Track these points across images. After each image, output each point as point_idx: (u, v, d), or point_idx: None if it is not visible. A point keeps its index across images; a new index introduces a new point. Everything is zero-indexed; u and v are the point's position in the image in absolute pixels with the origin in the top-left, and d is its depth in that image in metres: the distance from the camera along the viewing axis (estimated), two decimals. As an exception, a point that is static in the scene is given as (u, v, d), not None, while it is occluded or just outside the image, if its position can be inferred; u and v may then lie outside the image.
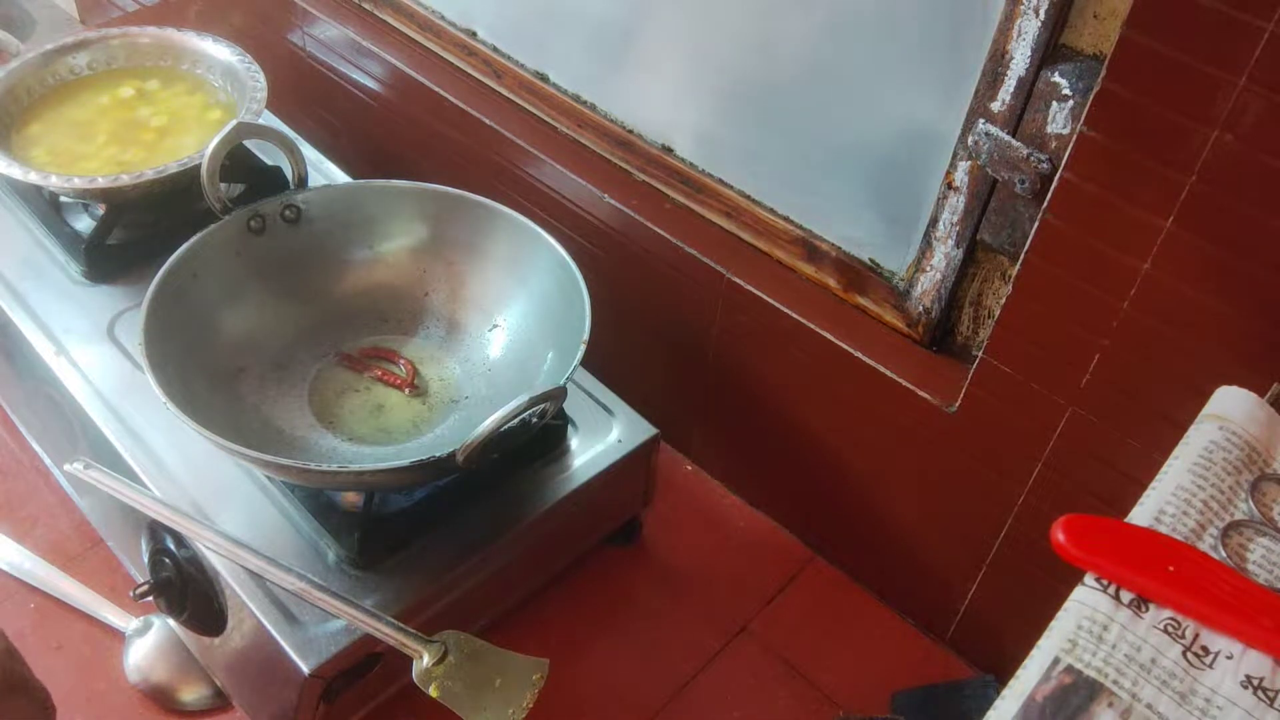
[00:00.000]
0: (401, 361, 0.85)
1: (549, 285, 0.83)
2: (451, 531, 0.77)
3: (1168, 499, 0.48)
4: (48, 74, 0.98)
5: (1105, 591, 0.45)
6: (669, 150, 0.91)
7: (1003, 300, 0.70)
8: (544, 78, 0.98)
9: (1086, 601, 0.44)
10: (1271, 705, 0.42)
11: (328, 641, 0.70)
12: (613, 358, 0.87)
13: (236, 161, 0.91)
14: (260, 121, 0.91)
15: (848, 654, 0.87)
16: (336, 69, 1.13)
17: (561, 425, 0.84)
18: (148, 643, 0.82)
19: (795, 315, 0.83)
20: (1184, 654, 0.43)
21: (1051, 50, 0.64)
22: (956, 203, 0.73)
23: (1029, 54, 0.65)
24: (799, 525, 0.95)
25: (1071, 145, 0.61)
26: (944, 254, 0.76)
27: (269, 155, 0.98)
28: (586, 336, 0.75)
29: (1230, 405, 0.52)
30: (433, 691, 0.63)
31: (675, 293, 0.91)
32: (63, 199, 0.95)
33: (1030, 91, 0.66)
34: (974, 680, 0.85)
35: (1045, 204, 0.64)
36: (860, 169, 0.79)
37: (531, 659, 0.65)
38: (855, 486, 0.87)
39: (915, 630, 0.89)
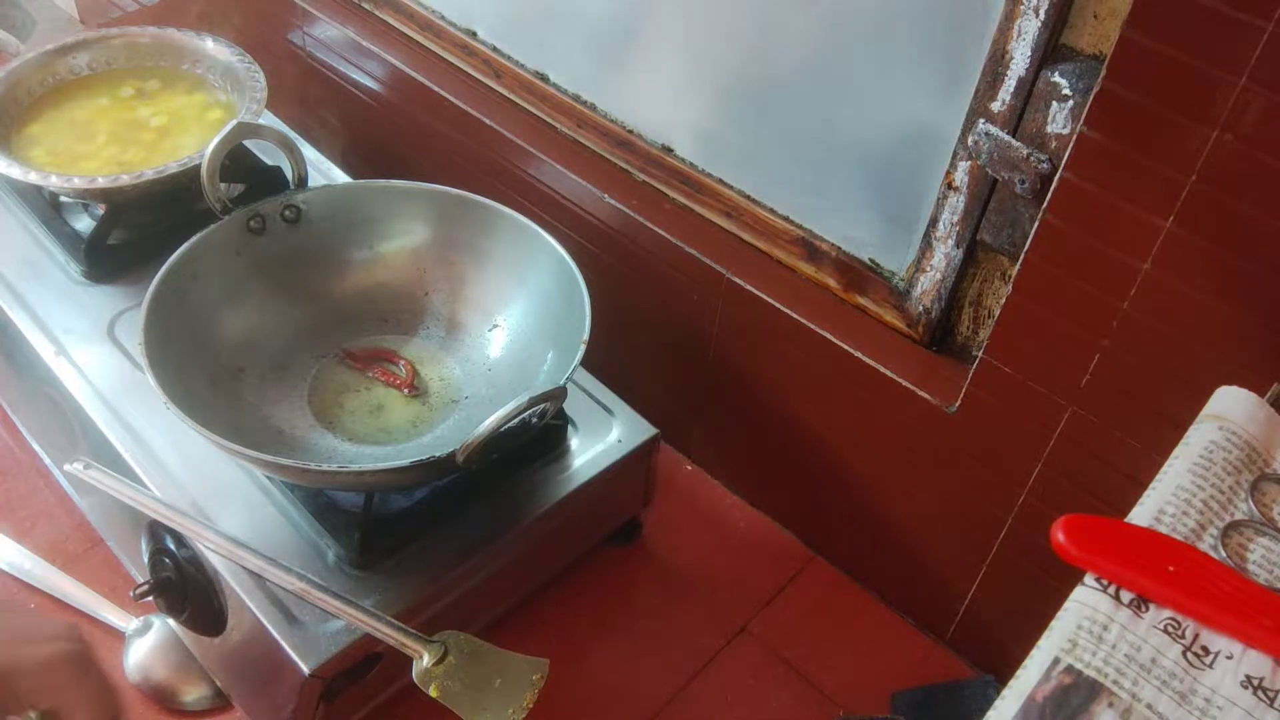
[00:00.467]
0: (401, 362, 0.85)
1: (549, 285, 0.83)
2: (451, 531, 0.77)
3: (1168, 499, 0.48)
4: (48, 74, 0.98)
5: (1105, 591, 0.45)
6: (669, 150, 0.91)
7: (1003, 300, 0.70)
8: (544, 78, 0.98)
9: (1086, 601, 0.44)
10: (1271, 705, 0.42)
11: (328, 641, 0.70)
12: (613, 358, 0.87)
13: (236, 161, 0.91)
14: (260, 121, 0.91)
15: (848, 654, 0.87)
16: (336, 69, 1.13)
17: (561, 425, 0.84)
18: (148, 643, 0.82)
19: (795, 315, 0.83)
20: (1184, 654, 0.43)
21: (1051, 50, 0.64)
22: (956, 203, 0.73)
23: (1029, 54, 0.65)
24: (799, 525, 0.95)
25: (1071, 145, 0.61)
26: (944, 254, 0.76)
27: (269, 155, 0.98)
28: (586, 336, 0.75)
29: (1230, 405, 0.52)
30: (433, 691, 0.63)
31: (675, 293, 0.91)
32: (63, 199, 0.95)
33: (1030, 91, 0.66)
34: (974, 680, 0.85)
35: (1045, 204, 0.64)
36: (860, 169, 0.79)
37: (531, 659, 0.65)
38: (855, 486, 0.87)
39: (915, 630, 0.89)
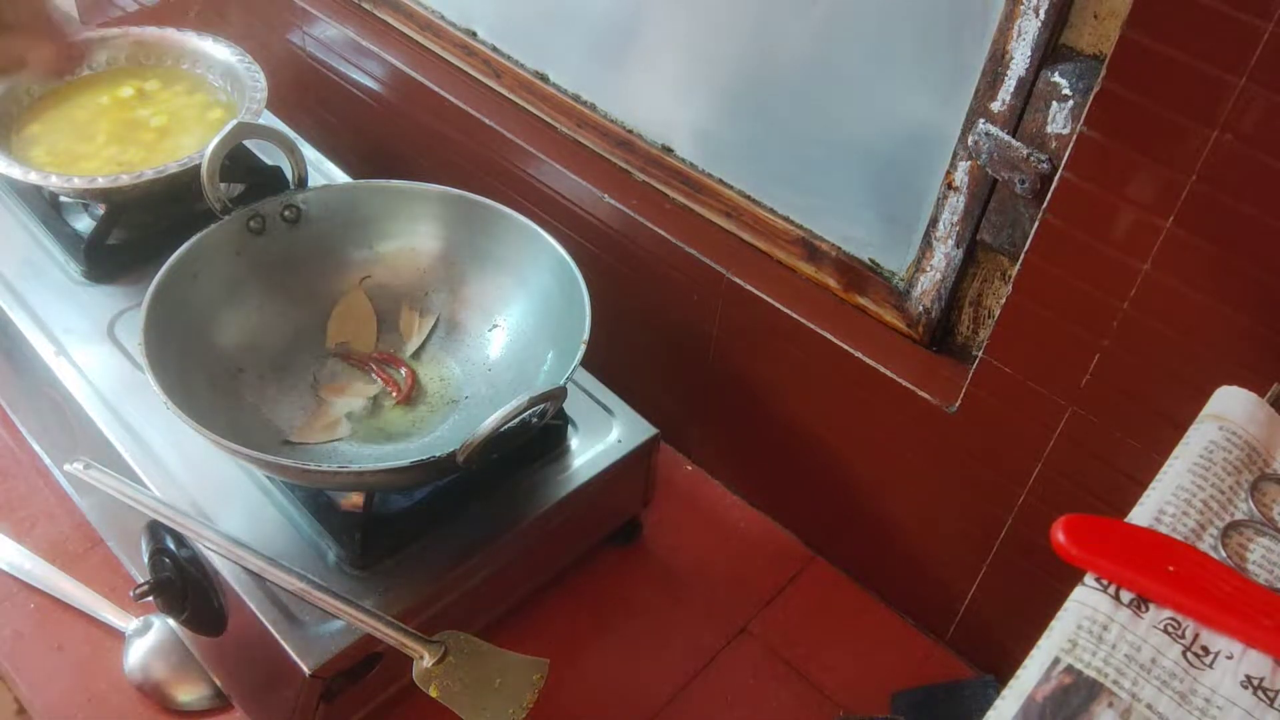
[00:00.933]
0: (403, 369, 0.85)
1: (549, 285, 0.83)
2: (451, 531, 0.77)
3: (1168, 499, 0.48)
4: (48, 74, 0.98)
5: (1105, 591, 0.45)
6: (669, 150, 0.91)
7: (1003, 300, 0.70)
8: (544, 78, 0.98)
9: (1086, 601, 0.44)
10: (1271, 705, 0.42)
11: (328, 641, 0.70)
12: (613, 358, 0.87)
13: (236, 161, 0.91)
14: (260, 121, 0.91)
15: (848, 654, 0.87)
16: (336, 69, 1.13)
17: (561, 425, 0.84)
18: (148, 643, 0.82)
19: (795, 315, 0.83)
20: (1184, 654, 0.43)
21: (1051, 50, 0.64)
22: (956, 203, 0.73)
23: (1029, 54, 0.65)
24: (799, 525, 0.95)
25: (1071, 145, 0.61)
26: (944, 254, 0.76)
27: (269, 155, 0.98)
28: (586, 336, 0.75)
29: (1230, 405, 0.52)
30: (433, 692, 0.63)
31: (675, 293, 0.91)
32: (63, 199, 0.95)
33: (1030, 91, 0.66)
34: (974, 680, 0.85)
35: (1045, 204, 0.64)
36: (860, 169, 0.79)
37: (532, 659, 0.65)
38: (855, 486, 0.87)
39: (915, 630, 0.89)
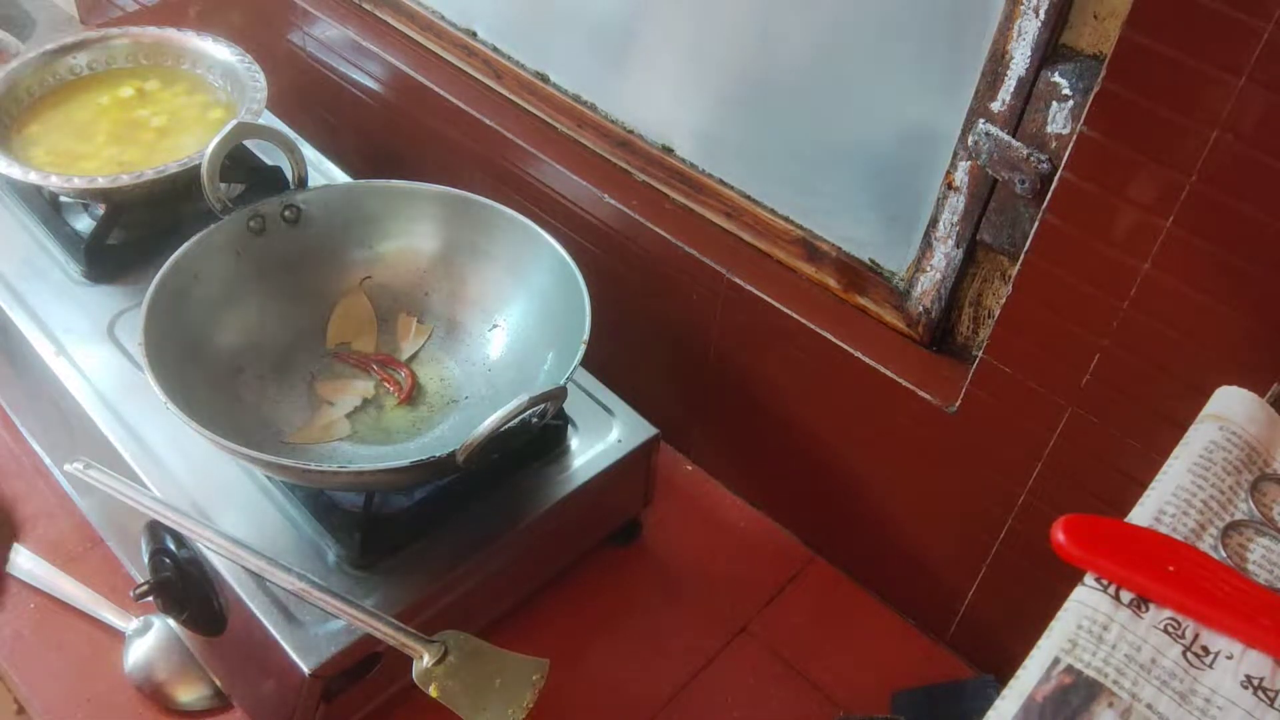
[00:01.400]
0: (404, 370, 0.85)
1: (549, 285, 0.83)
2: (451, 531, 0.77)
3: (1168, 499, 0.48)
4: (48, 74, 0.98)
5: (1105, 591, 0.45)
6: (669, 150, 0.91)
7: (1003, 300, 0.70)
8: (544, 78, 0.98)
9: (1086, 601, 0.44)
10: (1271, 705, 0.42)
11: (328, 641, 0.70)
12: (613, 358, 0.87)
13: (236, 161, 0.91)
14: (260, 121, 0.91)
15: (848, 654, 0.87)
16: (336, 69, 1.13)
17: (561, 425, 0.84)
18: (148, 643, 0.82)
19: (795, 315, 0.83)
20: (1184, 654, 0.43)
21: (1051, 50, 0.64)
22: (956, 203, 0.73)
23: (1029, 54, 0.65)
24: (799, 525, 0.95)
25: (1071, 145, 0.61)
26: (944, 254, 0.76)
27: (269, 155, 0.98)
28: (586, 336, 0.75)
29: (1230, 405, 0.52)
30: (433, 691, 0.63)
31: (675, 293, 0.91)
32: (63, 199, 0.95)
33: (1030, 91, 0.66)
34: (974, 680, 0.85)
35: (1045, 204, 0.64)
36: (860, 169, 0.79)
37: (531, 659, 0.65)
38: (855, 486, 0.87)
39: (915, 630, 0.89)
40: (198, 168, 0.81)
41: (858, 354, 0.80)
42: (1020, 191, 0.68)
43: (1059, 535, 0.46)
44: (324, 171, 1.02)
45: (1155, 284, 0.61)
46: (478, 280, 0.88)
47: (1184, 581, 0.45)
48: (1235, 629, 0.44)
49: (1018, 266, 0.67)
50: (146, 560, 0.78)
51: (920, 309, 0.79)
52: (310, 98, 1.19)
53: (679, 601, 0.89)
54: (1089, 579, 0.45)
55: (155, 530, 0.77)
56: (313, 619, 0.71)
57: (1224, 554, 0.46)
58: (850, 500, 0.88)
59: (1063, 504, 0.73)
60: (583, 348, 0.74)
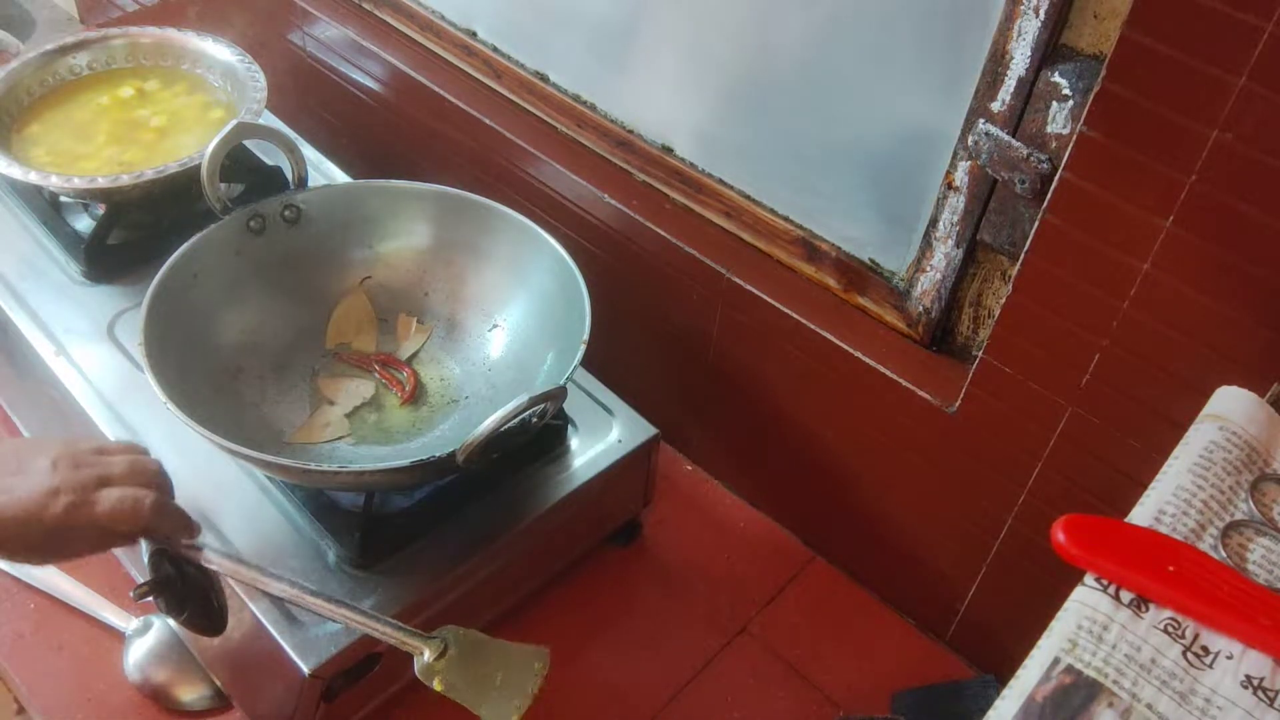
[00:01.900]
0: (406, 371, 0.85)
1: (549, 285, 0.83)
2: (451, 531, 0.77)
3: (1168, 499, 0.48)
4: (48, 74, 0.98)
5: (1105, 591, 0.45)
6: (669, 150, 0.91)
7: (1003, 300, 0.70)
8: (544, 78, 0.98)
9: (1086, 601, 0.44)
10: (1271, 705, 0.42)
11: (328, 641, 0.70)
12: (613, 358, 0.87)
13: (236, 161, 0.91)
14: (260, 121, 0.91)
15: (848, 654, 0.87)
16: (336, 69, 1.13)
17: (561, 425, 0.84)
18: (148, 643, 0.82)
19: (795, 315, 0.83)
20: (1184, 654, 0.43)
21: (1051, 50, 0.64)
22: (956, 203, 0.73)
23: (1029, 54, 0.65)
24: (799, 525, 0.95)
25: (1071, 145, 0.61)
26: (944, 254, 0.76)
27: (269, 155, 0.98)
28: (586, 336, 0.75)
29: (1230, 405, 0.52)
30: (437, 686, 0.63)
31: (675, 293, 0.91)
32: (63, 199, 0.95)
33: (1030, 91, 0.66)
34: (974, 680, 0.85)
35: (1045, 204, 0.64)
36: (860, 169, 0.79)
37: (532, 647, 0.65)
38: (855, 486, 0.87)
39: (915, 630, 0.89)
40: (198, 168, 0.81)
41: (858, 354, 0.80)
42: (1020, 191, 0.68)
43: (1059, 535, 0.46)
44: (324, 171, 1.02)
45: (1155, 284, 0.61)
46: (478, 280, 0.88)
47: (1184, 581, 0.45)
48: (1235, 629, 0.44)
49: (1018, 266, 0.67)
50: (146, 560, 0.78)
51: (920, 309, 0.79)
52: (310, 98, 1.19)
53: (679, 602, 0.89)
54: (1089, 579, 0.45)
55: (155, 530, 0.77)
56: (313, 619, 0.71)
57: (1224, 554, 0.46)
58: (850, 500, 0.88)
59: (1063, 504, 0.73)
60: (583, 348, 0.74)
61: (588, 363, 0.77)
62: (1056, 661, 0.43)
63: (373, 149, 1.15)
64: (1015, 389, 0.71)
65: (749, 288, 0.85)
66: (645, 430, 0.85)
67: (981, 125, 0.69)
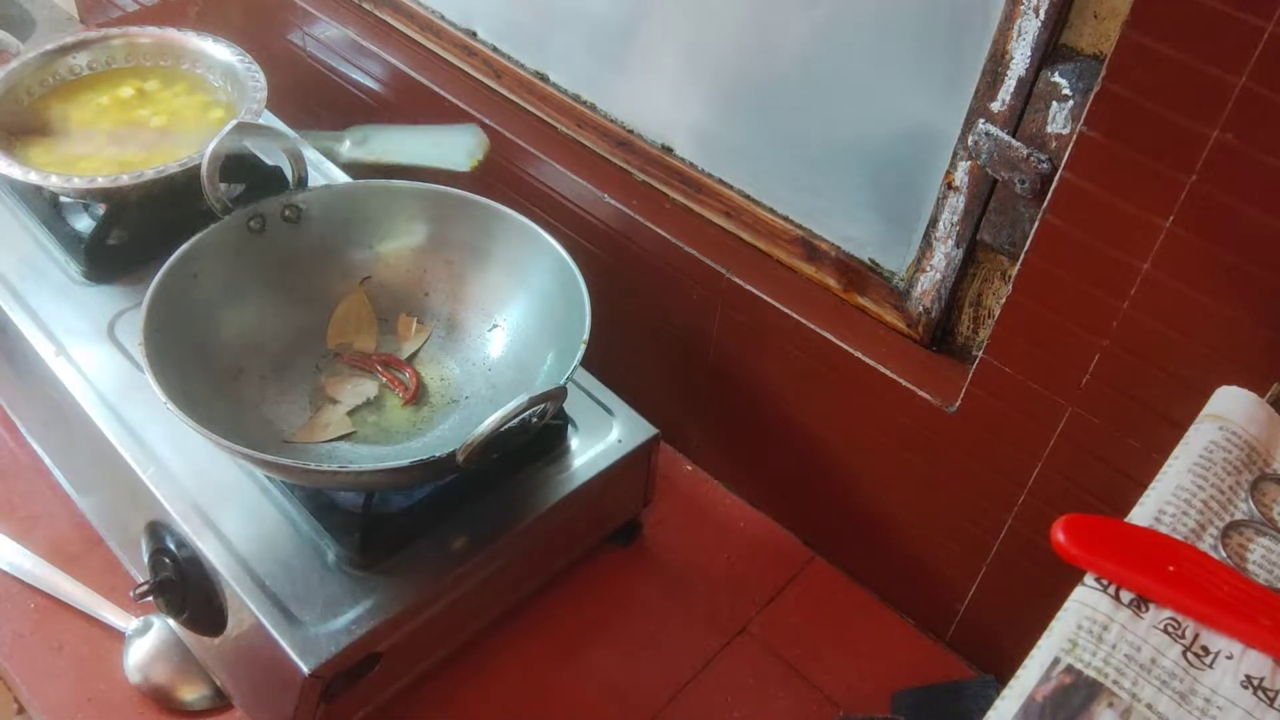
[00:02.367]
0: (408, 372, 0.85)
1: (549, 285, 0.83)
2: (451, 531, 0.77)
3: (1168, 499, 0.48)
4: (48, 74, 0.98)
5: (1105, 591, 0.45)
6: (669, 150, 0.91)
7: (1003, 300, 0.70)
8: (544, 78, 0.98)
9: (1086, 601, 0.44)
10: (1271, 705, 0.42)
11: (328, 641, 0.70)
12: (613, 358, 0.87)
13: (236, 161, 0.91)
14: (260, 121, 0.91)
15: (848, 654, 0.87)
16: (336, 69, 1.13)
17: (561, 425, 0.84)
18: (148, 643, 0.82)
19: (795, 315, 0.83)
20: (1184, 654, 0.43)
21: (1051, 50, 0.64)
22: (956, 203, 0.73)
23: (1029, 54, 0.65)
24: (799, 525, 0.95)
25: (1071, 145, 0.61)
26: (944, 254, 0.76)
27: (269, 155, 0.98)
28: (586, 336, 0.75)
29: (1230, 405, 0.52)
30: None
31: (675, 293, 0.91)
32: (63, 199, 0.95)
33: (1030, 91, 0.66)
34: (974, 680, 0.85)
35: (1045, 204, 0.64)
36: (860, 169, 0.79)
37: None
38: (855, 486, 0.87)
39: (915, 630, 0.89)
40: (198, 168, 0.81)
41: (858, 354, 0.80)
42: (1020, 191, 0.68)
43: (1059, 535, 0.46)
44: (324, 171, 1.02)
45: (1155, 284, 0.61)
46: (478, 280, 0.88)
47: (1184, 581, 0.45)
48: (1235, 629, 0.44)
49: (1018, 266, 0.67)
50: (146, 560, 0.78)
51: (920, 309, 0.79)
52: (310, 98, 1.19)
53: (679, 601, 0.89)
54: (1089, 579, 0.45)
55: (155, 530, 0.77)
56: (312, 619, 0.71)
57: (1224, 554, 0.46)
58: (850, 500, 0.88)
59: (1063, 504, 0.73)
60: (583, 348, 0.74)
61: (588, 363, 0.77)
62: (1056, 661, 0.43)
63: (373, 149, 1.15)
64: (1015, 389, 0.71)
65: (749, 288, 0.85)
66: (645, 430, 0.85)
67: (981, 125, 0.69)
